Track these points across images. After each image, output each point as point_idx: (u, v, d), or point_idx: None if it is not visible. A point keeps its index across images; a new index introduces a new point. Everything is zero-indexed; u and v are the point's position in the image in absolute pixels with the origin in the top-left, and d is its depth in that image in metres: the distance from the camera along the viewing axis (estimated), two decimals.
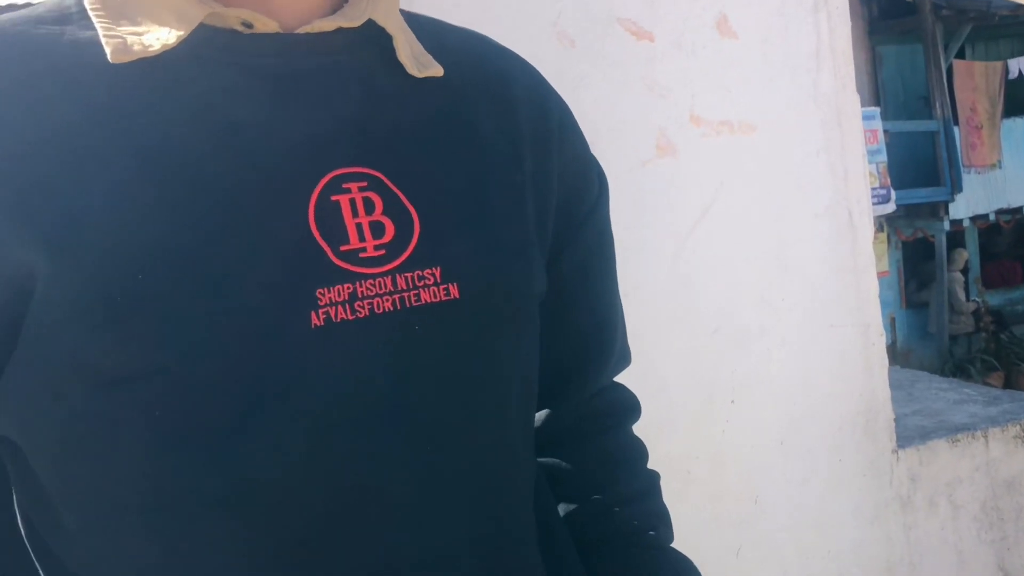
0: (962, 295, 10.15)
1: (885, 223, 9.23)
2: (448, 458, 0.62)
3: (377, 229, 0.60)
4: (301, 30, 0.61)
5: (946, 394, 2.12)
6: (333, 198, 0.59)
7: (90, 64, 0.57)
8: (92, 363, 0.54)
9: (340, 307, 0.57)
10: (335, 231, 0.58)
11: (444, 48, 0.68)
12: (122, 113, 0.56)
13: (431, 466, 0.61)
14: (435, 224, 0.62)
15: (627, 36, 1.49)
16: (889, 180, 8.18)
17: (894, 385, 1.79)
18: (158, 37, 0.57)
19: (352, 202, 0.59)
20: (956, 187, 9.53)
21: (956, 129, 9.63)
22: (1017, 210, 10.32)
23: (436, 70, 0.66)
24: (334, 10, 0.63)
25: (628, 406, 0.82)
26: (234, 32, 0.60)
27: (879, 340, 1.72)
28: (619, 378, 0.83)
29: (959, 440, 1.81)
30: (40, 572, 0.62)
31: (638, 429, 0.83)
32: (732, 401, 1.59)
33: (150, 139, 0.56)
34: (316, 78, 0.61)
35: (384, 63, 0.64)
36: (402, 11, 0.68)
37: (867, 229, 1.70)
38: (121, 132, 0.56)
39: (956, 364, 9.64)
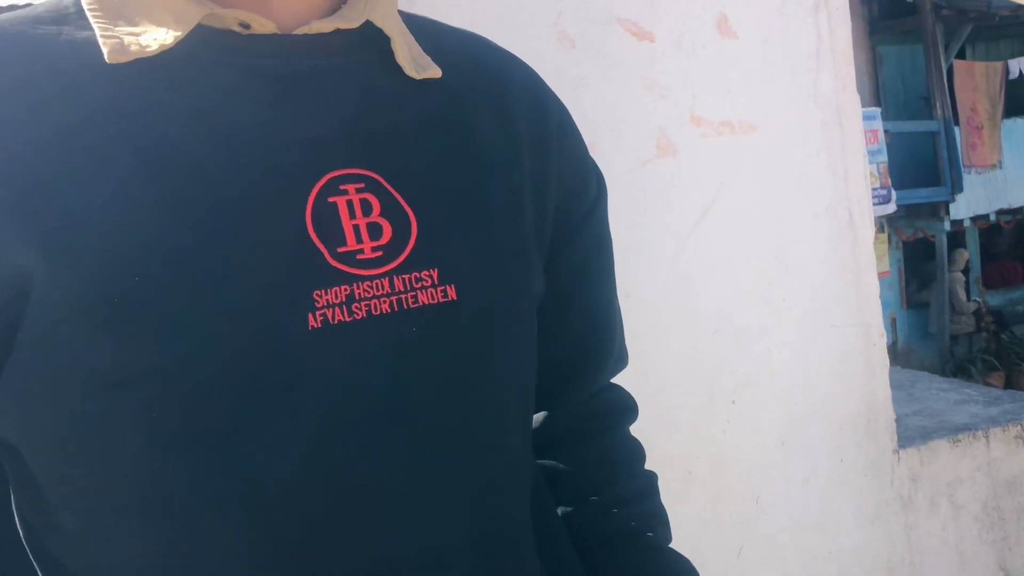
0: (963, 295, 10.13)
1: (886, 223, 9.23)
2: (447, 459, 0.62)
3: (375, 231, 0.59)
4: (299, 31, 0.61)
5: (947, 394, 2.12)
6: (331, 199, 0.59)
7: (88, 64, 0.57)
8: (91, 364, 0.54)
9: (337, 309, 0.57)
10: (332, 233, 0.58)
11: (442, 49, 0.68)
12: (121, 113, 0.56)
13: (430, 467, 0.61)
14: (433, 226, 0.62)
15: (627, 36, 1.48)
16: (890, 180, 8.17)
17: (895, 385, 1.79)
18: (155, 38, 0.57)
19: (350, 203, 0.59)
20: (957, 187, 9.52)
21: (957, 129, 9.62)
22: (1018, 210, 10.31)
23: (434, 72, 0.66)
24: (332, 11, 0.63)
25: (625, 407, 0.82)
26: (232, 33, 0.60)
27: (880, 340, 1.72)
28: (618, 378, 0.83)
29: (960, 440, 1.81)
30: (39, 573, 0.62)
31: (638, 429, 0.83)
32: (733, 401, 1.59)
33: (149, 140, 0.56)
34: (314, 79, 0.61)
35: (382, 64, 0.64)
36: (400, 12, 0.68)
37: (868, 229, 1.70)
38: (120, 133, 0.56)
39: (957, 364, 9.63)
